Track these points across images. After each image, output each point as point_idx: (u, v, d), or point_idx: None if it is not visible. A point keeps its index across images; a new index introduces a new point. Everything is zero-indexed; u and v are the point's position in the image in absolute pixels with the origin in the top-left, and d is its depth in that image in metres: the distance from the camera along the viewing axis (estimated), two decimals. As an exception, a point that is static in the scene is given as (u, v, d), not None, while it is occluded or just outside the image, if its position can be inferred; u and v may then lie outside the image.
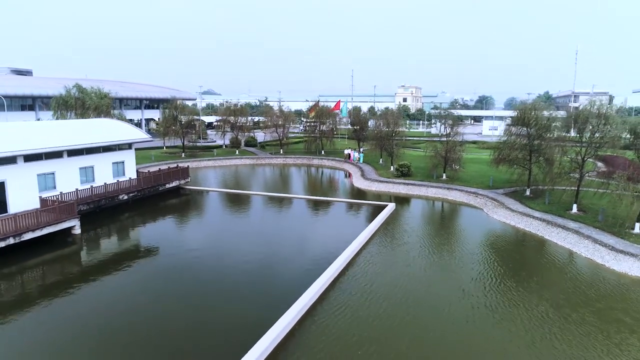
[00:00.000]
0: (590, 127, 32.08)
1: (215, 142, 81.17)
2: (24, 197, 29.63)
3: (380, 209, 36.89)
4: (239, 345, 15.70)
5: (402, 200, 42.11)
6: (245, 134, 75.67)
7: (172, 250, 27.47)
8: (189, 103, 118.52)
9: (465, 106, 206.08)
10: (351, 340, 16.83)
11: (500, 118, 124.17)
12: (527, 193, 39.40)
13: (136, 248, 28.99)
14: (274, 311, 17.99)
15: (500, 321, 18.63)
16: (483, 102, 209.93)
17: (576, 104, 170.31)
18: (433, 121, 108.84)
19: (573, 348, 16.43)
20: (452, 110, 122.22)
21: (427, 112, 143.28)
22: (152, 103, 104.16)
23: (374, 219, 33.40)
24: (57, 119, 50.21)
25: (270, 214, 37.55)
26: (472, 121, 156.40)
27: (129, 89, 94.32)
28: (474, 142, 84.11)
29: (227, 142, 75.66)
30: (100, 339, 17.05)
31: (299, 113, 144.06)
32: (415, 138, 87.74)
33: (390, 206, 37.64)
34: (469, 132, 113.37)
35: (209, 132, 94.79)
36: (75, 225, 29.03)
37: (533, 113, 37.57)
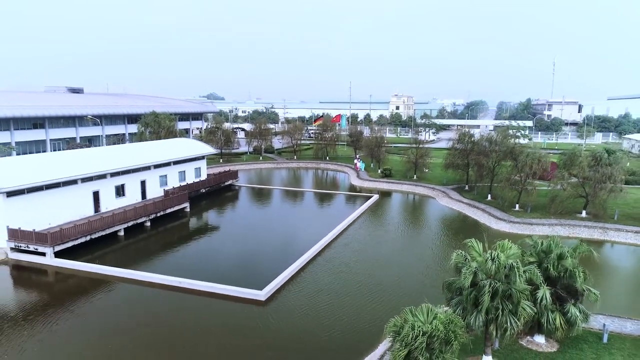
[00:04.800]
0: (495, 146, 52.17)
1: (238, 149, 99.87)
2: (153, 190, 49.64)
3: (368, 198, 56.90)
4: (290, 256, 35.65)
5: (384, 193, 62.11)
6: (267, 141, 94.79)
7: (236, 217, 47.62)
8: (209, 115, 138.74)
9: (454, 113, 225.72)
10: (347, 264, 37.00)
11: (477, 126, 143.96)
12: (466, 188, 59.40)
13: (218, 218, 49.17)
14: (304, 247, 37.88)
15: (421, 234, 38.84)
16: (469, 109, 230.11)
17: (549, 112, 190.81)
18: (420, 129, 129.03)
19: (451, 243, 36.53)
20: (435, 120, 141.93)
21: (415, 120, 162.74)
22: (182, 116, 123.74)
23: (362, 204, 53.40)
24: (140, 134, 70.29)
25: (290, 200, 57.68)
26: (457, 127, 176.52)
27: (167, 105, 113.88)
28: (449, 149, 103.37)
29: (251, 149, 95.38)
30: (208, 258, 37.21)
31: (302, 120, 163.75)
32: (403, 145, 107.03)
33: (375, 197, 57.72)
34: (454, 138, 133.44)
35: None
36: (187, 206, 49.15)
37: (467, 136, 57.71)
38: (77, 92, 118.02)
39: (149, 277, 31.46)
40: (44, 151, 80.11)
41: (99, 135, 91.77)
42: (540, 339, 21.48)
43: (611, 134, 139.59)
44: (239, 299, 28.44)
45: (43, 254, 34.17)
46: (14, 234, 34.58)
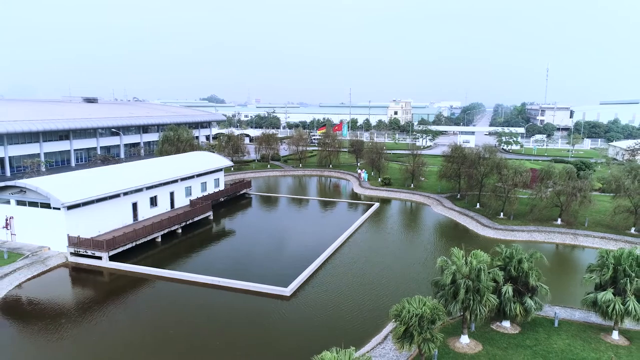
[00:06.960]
0: (482, 160, 58.80)
1: (244, 156, 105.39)
2: (180, 200, 56.12)
3: (370, 206, 63.43)
4: (302, 263, 42.11)
5: (384, 201, 68.65)
6: (274, 150, 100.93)
7: (253, 223, 54.20)
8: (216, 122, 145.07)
9: (451, 118, 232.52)
10: (355, 265, 43.56)
11: (472, 133, 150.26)
12: (458, 196, 65.98)
13: (238, 224, 55.75)
14: (317, 250, 44.38)
15: (416, 235, 45.47)
16: (466, 113, 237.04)
17: (542, 117, 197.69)
18: (417, 135, 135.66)
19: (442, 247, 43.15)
20: (432, 127, 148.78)
21: (413, 125, 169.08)
22: (191, 125, 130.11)
23: (365, 212, 59.89)
24: (161, 146, 76.78)
25: (300, 207, 64.19)
26: (454, 132, 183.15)
27: (178, 114, 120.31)
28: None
29: (259, 157, 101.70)
30: (233, 259, 43.74)
31: (304, 126, 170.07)
32: (401, 151, 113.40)
33: (376, 205, 64.27)
34: (449, 143, 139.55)
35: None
36: (210, 214, 55.63)
37: (459, 150, 64.33)
38: (92, 102, 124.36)
39: (189, 276, 37.87)
40: (69, 160, 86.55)
41: (117, 145, 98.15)
42: (506, 323, 28.02)
43: (600, 139, 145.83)
44: (268, 295, 34.91)
45: (99, 258, 40.59)
46: (74, 241, 40.99)
